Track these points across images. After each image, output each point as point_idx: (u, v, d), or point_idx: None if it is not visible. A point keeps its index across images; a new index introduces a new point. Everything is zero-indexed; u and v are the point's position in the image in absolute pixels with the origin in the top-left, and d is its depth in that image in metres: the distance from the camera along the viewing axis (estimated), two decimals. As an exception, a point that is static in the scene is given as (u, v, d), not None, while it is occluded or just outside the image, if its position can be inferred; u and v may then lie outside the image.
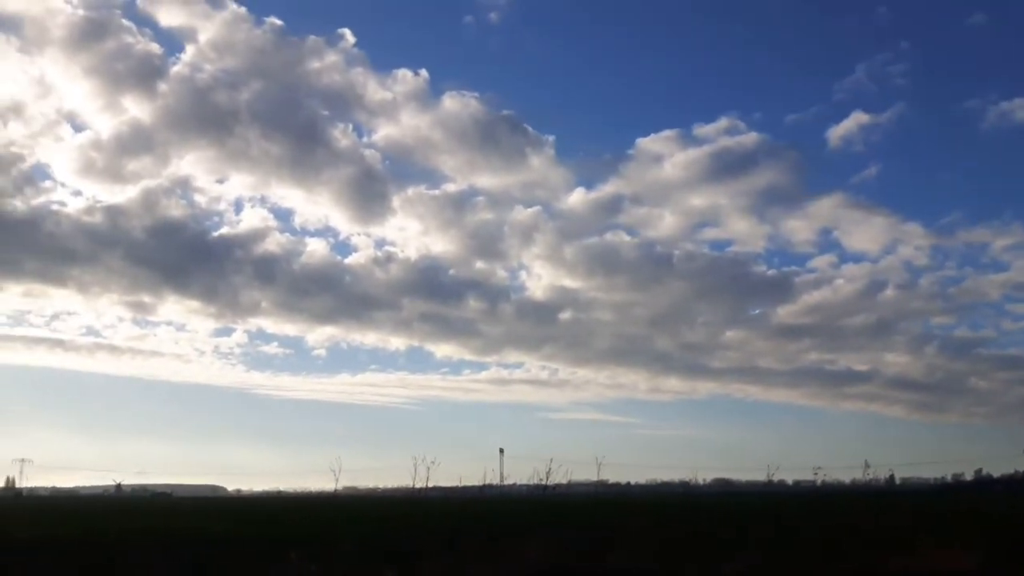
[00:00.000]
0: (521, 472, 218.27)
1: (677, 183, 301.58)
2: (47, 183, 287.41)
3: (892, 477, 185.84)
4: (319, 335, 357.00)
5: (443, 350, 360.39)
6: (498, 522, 39.63)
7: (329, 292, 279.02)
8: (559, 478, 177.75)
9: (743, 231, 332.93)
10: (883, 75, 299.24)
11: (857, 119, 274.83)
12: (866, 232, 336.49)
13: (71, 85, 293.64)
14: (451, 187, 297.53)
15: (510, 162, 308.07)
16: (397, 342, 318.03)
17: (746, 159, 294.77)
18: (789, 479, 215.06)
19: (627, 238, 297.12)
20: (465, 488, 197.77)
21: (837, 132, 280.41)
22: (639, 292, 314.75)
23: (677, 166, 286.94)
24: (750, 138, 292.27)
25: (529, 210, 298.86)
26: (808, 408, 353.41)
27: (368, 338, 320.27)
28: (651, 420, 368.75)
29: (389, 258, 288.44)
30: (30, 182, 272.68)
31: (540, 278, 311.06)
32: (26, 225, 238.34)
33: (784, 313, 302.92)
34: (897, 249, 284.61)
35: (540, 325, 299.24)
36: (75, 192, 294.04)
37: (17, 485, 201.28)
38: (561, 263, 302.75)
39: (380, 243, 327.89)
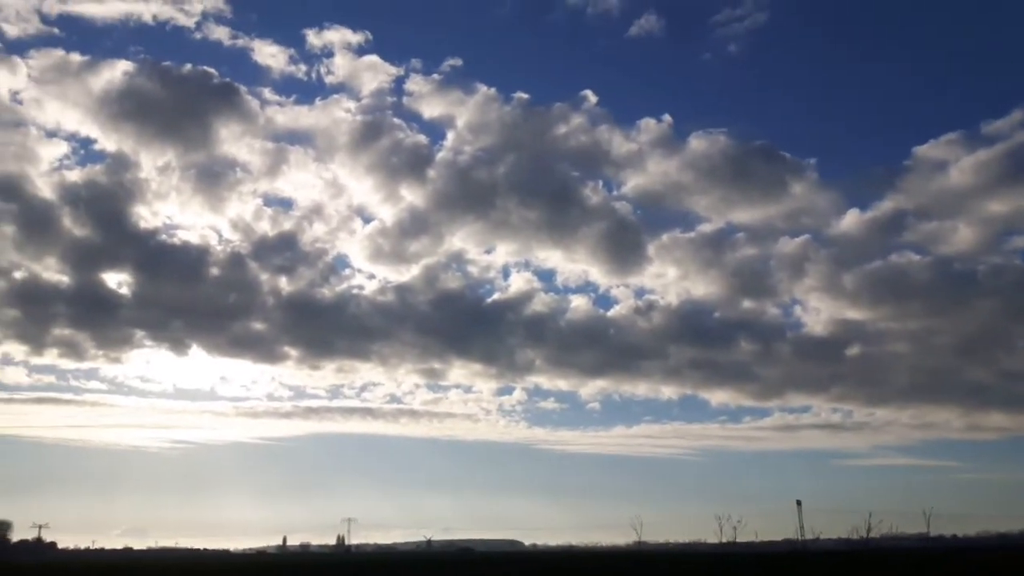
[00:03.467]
0: (822, 525, 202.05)
1: (969, 190, 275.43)
2: (347, 271, 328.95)
3: None
4: (591, 388, 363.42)
5: (718, 397, 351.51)
6: None
7: (596, 346, 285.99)
8: (879, 531, 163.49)
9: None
10: None
11: None
12: None
13: (357, 183, 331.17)
14: (707, 227, 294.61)
15: (769, 193, 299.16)
16: (668, 391, 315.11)
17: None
18: None
19: (916, 258, 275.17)
20: (767, 543, 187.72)
21: None
22: (939, 317, 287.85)
23: (966, 171, 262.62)
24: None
25: (796, 240, 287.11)
26: None
27: (639, 389, 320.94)
28: (972, 462, 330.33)
29: (650, 306, 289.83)
30: (333, 272, 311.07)
31: (818, 312, 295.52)
32: (334, 310, 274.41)
33: None
34: None
35: (825, 363, 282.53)
36: (369, 276, 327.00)
37: (346, 542, 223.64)
38: (841, 293, 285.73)
39: (639, 292, 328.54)
